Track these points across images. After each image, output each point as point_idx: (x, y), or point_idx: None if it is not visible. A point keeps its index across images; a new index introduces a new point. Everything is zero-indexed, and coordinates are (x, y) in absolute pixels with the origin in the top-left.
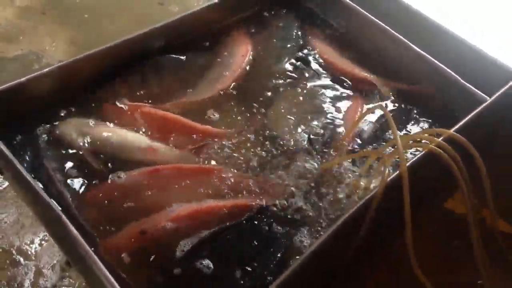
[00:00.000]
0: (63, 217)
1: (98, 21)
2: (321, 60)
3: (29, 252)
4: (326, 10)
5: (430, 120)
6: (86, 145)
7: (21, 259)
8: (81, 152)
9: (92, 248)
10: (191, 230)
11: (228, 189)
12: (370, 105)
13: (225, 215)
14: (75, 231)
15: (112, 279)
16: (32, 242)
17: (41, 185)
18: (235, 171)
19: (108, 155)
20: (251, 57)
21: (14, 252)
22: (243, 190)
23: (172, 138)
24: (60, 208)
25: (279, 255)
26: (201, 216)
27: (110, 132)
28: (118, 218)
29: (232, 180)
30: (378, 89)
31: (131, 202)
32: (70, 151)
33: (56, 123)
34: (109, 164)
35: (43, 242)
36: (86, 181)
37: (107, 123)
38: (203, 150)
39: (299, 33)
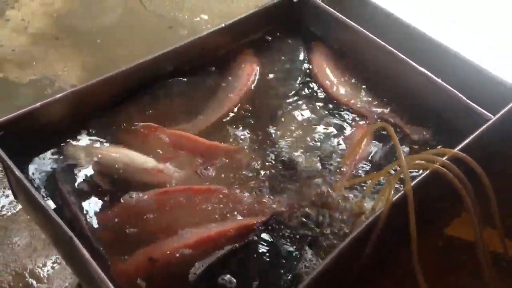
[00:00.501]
0: (75, 239)
1: (110, 46)
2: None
3: (42, 275)
4: (330, 34)
5: (434, 139)
6: (94, 167)
7: (34, 282)
8: (92, 174)
9: (104, 271)
10: (201, 256)
11: (236, 209)
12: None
13: (233, 237)
14: (87, 254)
15: None
16: (44, 265)
17: (54, 208)
18: (242, 191)
19: (116, 176)
20: (257, 76)
21: (26, 275)
22: (250, 209)
23: (180, 158)
24: (72, 231)
25: (286, 276)
26: (210, 242)
27: (118, 153)
28: (129, 241)
29: (240, 200)
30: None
31: (142, 224)
32: (83, 173)
33: (69, 146)
34: (118, 185)
35: (55, 265)
36: (99, 203)
37: (115, 145)
38: (210, 170)
39: (304, 57)
